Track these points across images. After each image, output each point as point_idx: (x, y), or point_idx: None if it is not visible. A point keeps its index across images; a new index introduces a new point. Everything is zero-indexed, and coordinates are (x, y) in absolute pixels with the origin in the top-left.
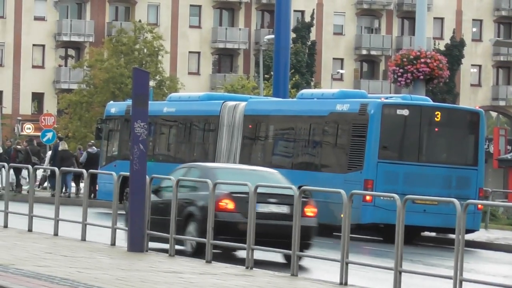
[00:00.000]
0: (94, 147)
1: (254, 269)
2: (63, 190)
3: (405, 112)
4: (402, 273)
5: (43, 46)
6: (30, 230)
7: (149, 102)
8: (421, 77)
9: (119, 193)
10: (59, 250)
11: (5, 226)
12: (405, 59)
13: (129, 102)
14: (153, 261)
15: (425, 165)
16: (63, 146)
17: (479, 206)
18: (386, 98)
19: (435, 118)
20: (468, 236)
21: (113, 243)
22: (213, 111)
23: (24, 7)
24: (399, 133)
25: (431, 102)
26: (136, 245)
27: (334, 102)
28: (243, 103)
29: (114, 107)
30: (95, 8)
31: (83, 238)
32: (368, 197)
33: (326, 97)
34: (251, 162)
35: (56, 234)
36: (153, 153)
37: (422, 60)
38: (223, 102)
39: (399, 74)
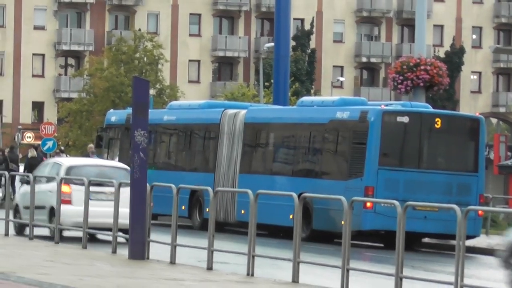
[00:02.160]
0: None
1: (255, 276)
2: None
3: (405, 119)
4: (403, 279)
5: (43, 55)
6: (31, 238)
7: (149, 110)
8: (421, 84)
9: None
10: (60, 258)
11: (6, 234)
12: (405, 66)
13: (129, 110)
14: (154, 268)
15: (425, 171)
16: (31, 153)
17: (480, 212)
18: (386, 105)
19: (435, 125)
20: (469, 242)
21: (114, 251)
22: (214, 119)
23: (23, 16)
24: (400, 140)
25: (431, 109)
26: (137, 253)
27: (334, 109)
28: (243, 111)
29: (115, 116)
30: (95, 17)
31: (84, 246)
32: (368, 204)
33: (326, 104)
34: (251, 170)
35: (57, 242)
36: (153, 161)
37: (422, 67)
38: (224, 110)
39: (399, 81)
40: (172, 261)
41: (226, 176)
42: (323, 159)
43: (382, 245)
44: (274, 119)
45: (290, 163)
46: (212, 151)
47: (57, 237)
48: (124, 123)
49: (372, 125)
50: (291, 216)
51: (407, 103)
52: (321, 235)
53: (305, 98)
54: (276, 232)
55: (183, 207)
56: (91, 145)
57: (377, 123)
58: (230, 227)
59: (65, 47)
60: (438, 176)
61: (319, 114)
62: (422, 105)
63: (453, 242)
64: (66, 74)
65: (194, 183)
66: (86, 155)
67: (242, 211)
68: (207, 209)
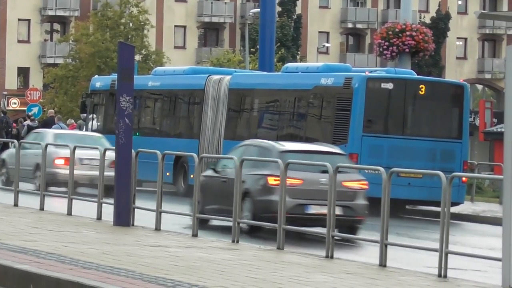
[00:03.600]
0: (36, 121)
1: (240, 242)
2: None
3: (390, 85)
4: (388, 246)
5: (29, 20)
6: (16, 205)
7: (134, 76)
8: (407, 50)
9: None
10: (45, 225)
11: None
12: (390, 32)
13: (114, 76)
14: (139, 235)
15: (409, 138)
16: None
17: (464, 179)
18: (371, 71)
19: (420, 92)
20: (454, 209)
21: (99, 217)
22: (198, 85)
23: None
24: (384, 106)
25: (415, 76)
26: (122, 219)
27: (318, 75)
28: (228, 77)
29: (99, 81)
30: None
31: (69, 213)
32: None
33: (311, 70)
34: (236, 136)
35: (42, 208)
36: (138, 127)
37: (408, 33)
38: (208, 76)
39: (385, 47)
40: (157, 228)
41: (211, 142)
42: (307, 125)
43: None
44: (259, 85)
45: (275, 129)
46: (197, 117)
47: (42, 203)
48: (109, 89)
49: (356, 91)
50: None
51: (391, 70)
52: None
53: (290, 64)
54: None
55: (167, 174)
56: (51, 110)
57: (361, 90)
58: None
59: (50, 12)
60: (422, 143)
61: (303, 80)
62: (406, 72)
63: (437, 208)
64: (51, 40)
65: (178, 149)
66: (48, 121)
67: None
68: (192, 175)
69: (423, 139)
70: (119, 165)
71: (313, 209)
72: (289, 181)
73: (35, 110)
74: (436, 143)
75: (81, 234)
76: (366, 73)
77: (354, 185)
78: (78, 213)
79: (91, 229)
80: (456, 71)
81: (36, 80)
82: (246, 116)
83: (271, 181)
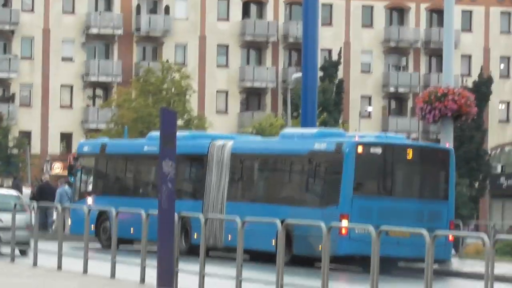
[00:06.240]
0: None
1: None
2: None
3: (378, 150)
4: None
5: (71, 86)
6: (59, 267)
7: (128, 141)
8: (449, 114)
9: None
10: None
11: (35, 264)
12: (432, 96)
13: (102, 140)
14: None
15: (398, 199)
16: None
17: (451, 237)
18: (361, 137)
19: (407, 156)
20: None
21: (142, 280)
22: (202, 149)
23: (52, 48)
24: (373, 170)
25: (403, 141)
26: (166, 283)
27: (312, 141)
28: (230, 142)
29: (87, 146)
30: (123, 48)
31: (113, 276)
32: (344, 230)
33: (306, 136)
34: (237, 198)
35: (85, 272)
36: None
37: (450, 97)
38: (211, 141)
39: (427, 111)
40: None
41: (215, 204)
42: (302, 188)
43: (360, 268)
44: (258, 150)
45: (273, 191)
46: (201, 180)
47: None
48: (98, 153)
49: (347, 156)
50: (273, 242)
51: (382, 136)
52: (301, 260)
53: (287, 130)
54: (257, 257)
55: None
56: (46, 175)
57: (351, 154)
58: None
59: (93, 78)
60: (410, 204)
61: (299, 145)
62: (396, 137)
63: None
64: (94, 105)
65: (182, 209)
66: (46, 185)
67: (229, 237)
68: (195, 235)
69: (411, 200)
70: (161, 229)
71: None
72: None
73: None
74: (424, 204)
75: None
76: (356, 138)
77: None
78: (122, 276)
79: None
80: (499, 134)
81: None
82: (246, 179)
83: None
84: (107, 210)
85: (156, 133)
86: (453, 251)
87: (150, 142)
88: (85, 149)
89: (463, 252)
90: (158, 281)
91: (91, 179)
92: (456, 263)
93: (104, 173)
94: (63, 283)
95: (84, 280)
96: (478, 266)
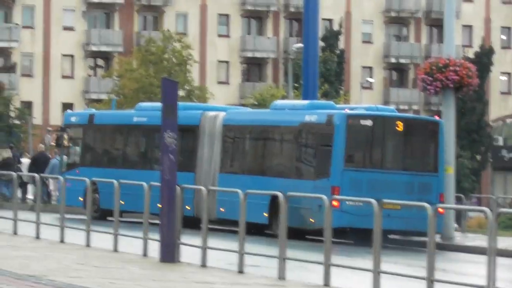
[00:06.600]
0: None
1: (287, 279)
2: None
3: (369, 122)
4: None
5: (72, 56)
6: (62, 241)
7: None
8: (451, 85)
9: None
10: (91, 261)
11: (37, 237)
12: (434, 67)
13: (90, 111)
14: (185, 271)
15: (388, 172)
16: (7, 153)
17: (441, 210)
18: (351, 109)
19: (397, 128)
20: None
21: (144, 254)
22: (193, 121)
23: (52, 17)
24: (363, 142)
25: (393, 113)
26: (168, 256)
27: (303, 113)
28: (222, 114)
29: (74, 116)
30: (124, 17)
31: (115, 249)
32: (335, 203)
33: (297, 108)
34: (229, 170)
35: (88, 245)
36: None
37: (451, 68)
38: (203, 112)
39: (428, 82)
40: (203, 264)
41: (207, 175)
42: (293, 160)
43: (352, 241)
44: (250, 121)
45: (264, 163)
46: (192, 152)
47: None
48: (86, 123)
49: (337, 128)
50: (265, 214)
51: (372, 107)
52: (293, 232)
53: (278, 102)
54: (248, 229)
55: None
56: (41, 145)
57: (342, 126)
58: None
59: (94, 48)
60: (400, 176)
61: (290, 117)
62: (386, 109)
63: (415, 238)
64: (95, 75)
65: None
66: (41, 155)
67: (221, 209)
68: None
69: (401, 172)
70: (164, 201)
71: None
72: None
73: None
74: (414, 176)
75: (127, 271)
76: (346, 110)
77: None
78: (124, 249)
79: (137, 265)
80: (501, 106)
81: None
82: (238, 151)
83: None
84: (96, 181)
85: (145, 104)
86: (455, 225)
87: (139, 113)
88: (73, 119)
89: (465, 226)
90: (160, 254)
91: (79, 150)
92: (458, 237)
93: (92, 144)
94: (64, 255)
95: (86, 252)
96: (480, 240)
